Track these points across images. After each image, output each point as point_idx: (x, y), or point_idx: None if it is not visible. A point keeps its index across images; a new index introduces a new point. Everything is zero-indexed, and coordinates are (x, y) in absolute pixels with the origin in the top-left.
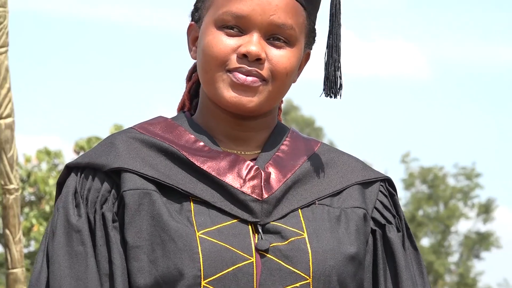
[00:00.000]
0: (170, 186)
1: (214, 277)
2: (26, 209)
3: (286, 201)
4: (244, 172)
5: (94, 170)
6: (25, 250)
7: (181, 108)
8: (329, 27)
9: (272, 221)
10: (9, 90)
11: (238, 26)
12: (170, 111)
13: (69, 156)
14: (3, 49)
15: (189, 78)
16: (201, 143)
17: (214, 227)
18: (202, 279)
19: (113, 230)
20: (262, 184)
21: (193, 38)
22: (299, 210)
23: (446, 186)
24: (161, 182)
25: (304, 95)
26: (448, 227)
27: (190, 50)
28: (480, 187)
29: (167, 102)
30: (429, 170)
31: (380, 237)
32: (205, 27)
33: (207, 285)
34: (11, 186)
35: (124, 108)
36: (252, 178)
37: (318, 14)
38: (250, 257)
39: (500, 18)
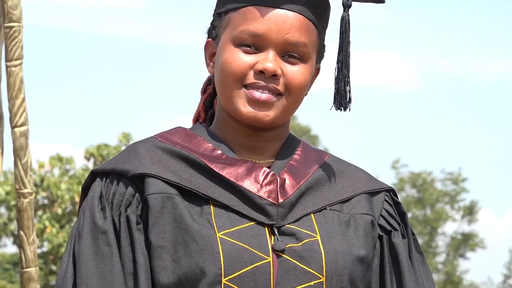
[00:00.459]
0: (191, 191)
1: (234, 275)
2: (40, 212)
3: (300, 205)
4: (261, 177)
5: (119, 175)
6: (38, 251)
7: (196, 119)
8: (339, 44)
9: (287, 224)
10: (23, 100)
11: (255, 44)
12: (174, 120)
13: (80, 162)
14: (18, 62)
15: (204, 91)
16: (219, 151)
17: (233, 229)
18: (222, 277)
19: (137, 232)
20: (278, 189)
21: (210, 54)
22: (312, 214)
23: (434, 190)
24: (182, 187)
25: (301, 105)
26: (435, 229)
27: (207, 65)
28: (466, 191)
29: (171, 112)
30: (418, 175)
31: (387, 242)
32: (223, 45)
33: (228, 283)
34: (25, 190)
35: (131, 118)
36: (269, 183)
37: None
38: (267, 257)
39: (488, 30)
